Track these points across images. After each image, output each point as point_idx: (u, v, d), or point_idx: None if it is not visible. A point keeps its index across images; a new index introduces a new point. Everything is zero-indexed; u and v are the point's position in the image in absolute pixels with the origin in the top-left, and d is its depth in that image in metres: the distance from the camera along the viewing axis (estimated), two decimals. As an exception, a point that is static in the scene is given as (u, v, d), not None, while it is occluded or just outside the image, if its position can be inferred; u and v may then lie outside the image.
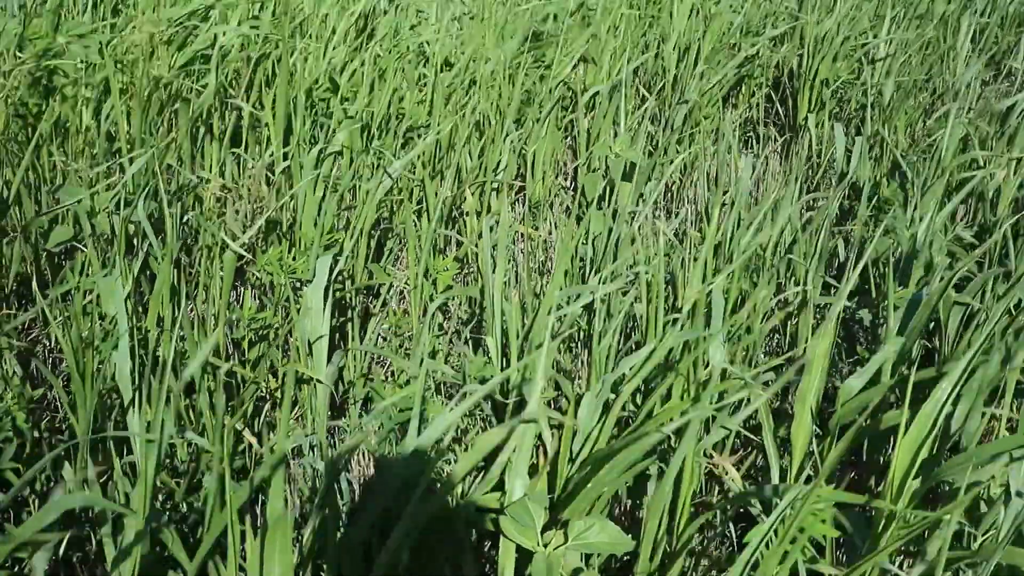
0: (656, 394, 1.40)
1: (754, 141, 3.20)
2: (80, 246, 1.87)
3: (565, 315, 1.71)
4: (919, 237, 2.13)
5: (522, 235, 2.54)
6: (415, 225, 2.15)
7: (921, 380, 1.39)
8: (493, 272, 1.82)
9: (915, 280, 2.07)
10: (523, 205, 2.65)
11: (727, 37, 3.16)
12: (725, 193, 2.73)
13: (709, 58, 3.03)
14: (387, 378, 2.03)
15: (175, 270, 1.77)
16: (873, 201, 2.47)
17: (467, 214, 2.28)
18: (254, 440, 1.56)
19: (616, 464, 1.23)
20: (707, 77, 2.97)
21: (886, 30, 3.39)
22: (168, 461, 1.57)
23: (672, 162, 2.71)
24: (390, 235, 2.30)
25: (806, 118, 3.07)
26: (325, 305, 1.75)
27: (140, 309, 1.71)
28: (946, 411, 1.26)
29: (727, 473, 1.57)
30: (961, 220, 2.57)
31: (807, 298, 1.92)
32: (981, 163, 2.45)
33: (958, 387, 1.29)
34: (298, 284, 1.85)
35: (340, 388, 1.97)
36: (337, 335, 1.98)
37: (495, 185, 2.34)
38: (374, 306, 2.13)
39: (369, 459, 1.74)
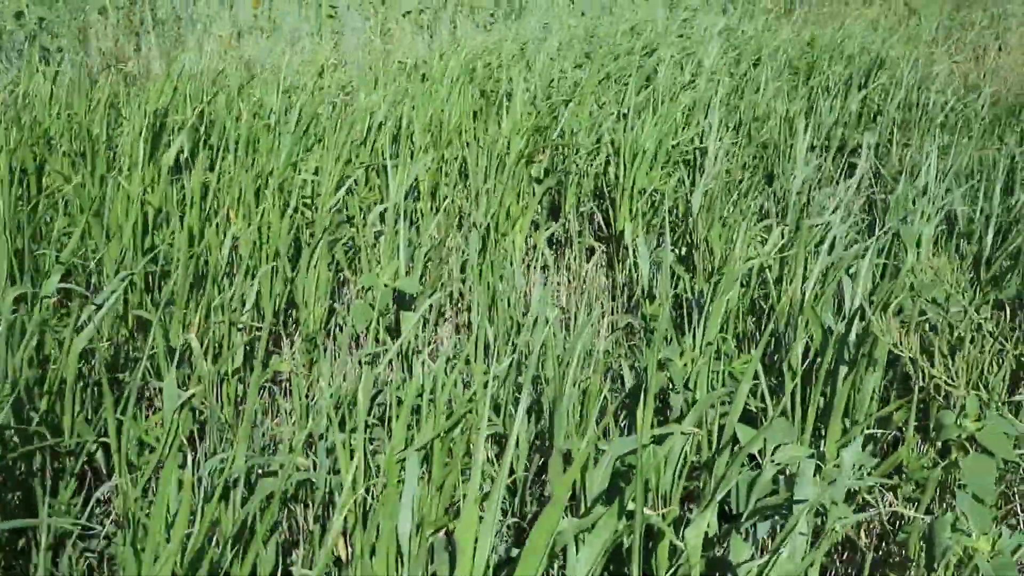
0: None
1: (572, 256, 3.04)
2: None
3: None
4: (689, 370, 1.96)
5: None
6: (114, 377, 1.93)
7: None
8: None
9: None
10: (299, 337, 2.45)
11: (537, 144, 3.04)
12: (525, 315, 2.56)
13: (516, 171, 2.90)
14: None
15: None
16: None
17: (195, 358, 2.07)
18: None
19: None
20: (507, 191, 2.83)
21: (715, 134, 3.29)
22: None
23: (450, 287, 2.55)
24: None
25: (622, 230, 2.94)
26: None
27: None
28: None
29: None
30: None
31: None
32: (768, 277, 2.30)
33: None
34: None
35: None
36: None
37: (241, 323, 2.13)
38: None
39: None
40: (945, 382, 1.61)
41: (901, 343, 1.63)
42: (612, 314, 2.84)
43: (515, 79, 3.41)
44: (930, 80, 4.66)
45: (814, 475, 1.55)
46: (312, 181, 2.65)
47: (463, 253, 2.71)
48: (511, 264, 2.94)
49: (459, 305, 2.68)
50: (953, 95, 4.58)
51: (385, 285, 2.25)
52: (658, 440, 1.54)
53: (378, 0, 7.03)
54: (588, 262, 3.08)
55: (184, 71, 3.60)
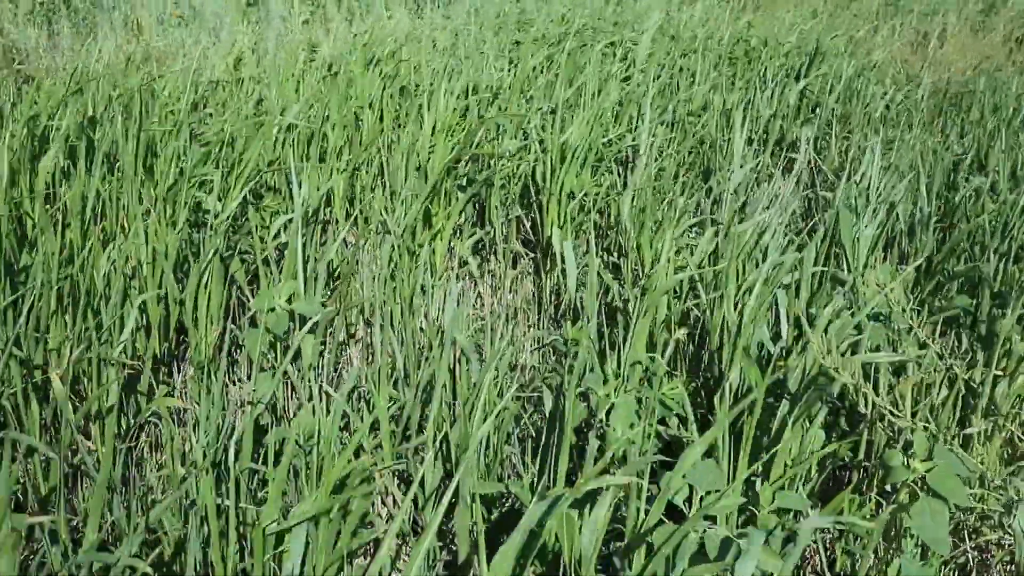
0: None
1: (497, 264, 2.85)
2: None
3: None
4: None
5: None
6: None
7: None
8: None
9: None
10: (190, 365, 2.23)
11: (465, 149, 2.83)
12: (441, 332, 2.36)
13: (440, 175, 2.69)
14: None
15: None
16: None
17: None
18: None
19: None
20: (429, 197, 2.63)
21: (647, 130, 3.11)
22: None
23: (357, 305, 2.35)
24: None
25: (550, 236, 2.75)
26: None
27: None
28: None
29: None
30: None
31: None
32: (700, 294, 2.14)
33: None
34: None
35: None
36: None
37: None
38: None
39: None
40: (891, 412, 1.45)
41: (842, 370, 1.47)
42: (539, 325, 2.67)
43: (437, 76, 3.21)
44: (870, 70, 4.54)
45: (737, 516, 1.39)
46: (216, 190, 2.42)
47: (378, 266, 2.50)
48: (431, 275, 2.74)
49: (372, 323, 2.48)
50: (893, 85, 4.47)
51: (276, 307, 2.04)
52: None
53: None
54: (514, 269, 2.90)
55: (79, 69, 3.34)
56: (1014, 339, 1.73)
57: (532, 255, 2.93)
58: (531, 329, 2.62)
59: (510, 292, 2.77)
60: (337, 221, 2.87)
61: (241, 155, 2.59)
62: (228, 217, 2.28)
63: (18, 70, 4.20)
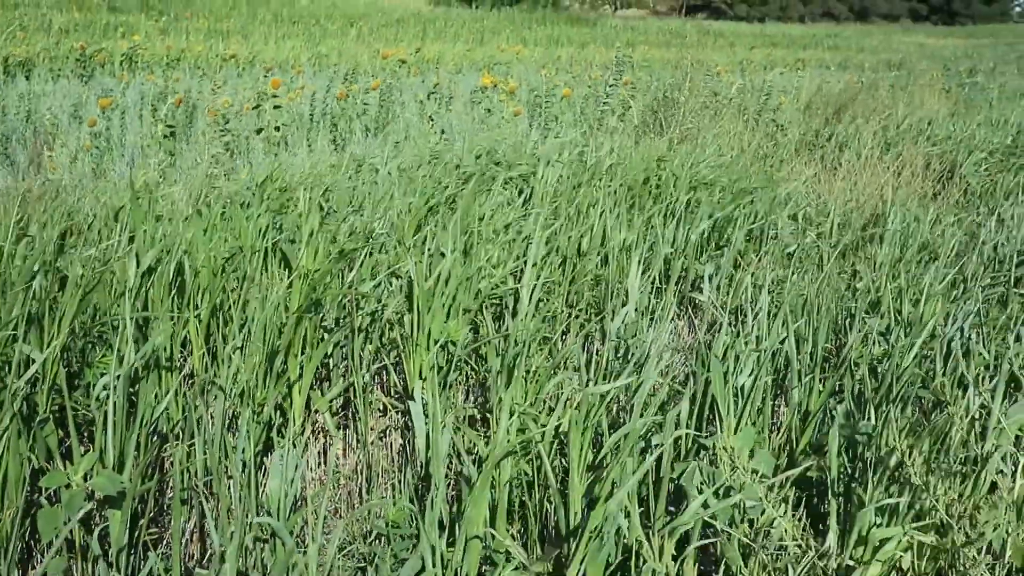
0: None
1: (360, 420, 2.65)
2: None
3: None
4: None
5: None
6: None
7: None
8: None
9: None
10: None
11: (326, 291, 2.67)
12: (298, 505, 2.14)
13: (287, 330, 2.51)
14: None
15: None
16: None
17: None
18: None
19: None
20: (288, 347, 2.45)
21: (531, 270, 2.97)
22: None
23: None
24: None
25: (414, 389, 2.57)
26: None
27: None
28: None
29: None
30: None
31: None
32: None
33: None
34: None
35: None
36: None
37: None
38: None
39: None
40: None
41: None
42: (401, 488, 2.46)
43: (311, 215, 3.06)
44: (781, 204, 4.48)
45: None
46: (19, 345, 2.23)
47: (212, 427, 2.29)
48: (282, 435, 2.54)
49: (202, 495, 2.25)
50: (804, 219, 4.41)
51: (72, 484, 1.82)
52: None
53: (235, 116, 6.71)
54: (385, 418, 2.70)
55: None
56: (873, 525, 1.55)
57: (402, 408, 2.74)
58: (388, 494, 2.41)
59: (371, 450, 2.57)
60: (193, 374, 2.67)
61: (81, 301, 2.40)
62: (33, 377, 2.07)
63: None
